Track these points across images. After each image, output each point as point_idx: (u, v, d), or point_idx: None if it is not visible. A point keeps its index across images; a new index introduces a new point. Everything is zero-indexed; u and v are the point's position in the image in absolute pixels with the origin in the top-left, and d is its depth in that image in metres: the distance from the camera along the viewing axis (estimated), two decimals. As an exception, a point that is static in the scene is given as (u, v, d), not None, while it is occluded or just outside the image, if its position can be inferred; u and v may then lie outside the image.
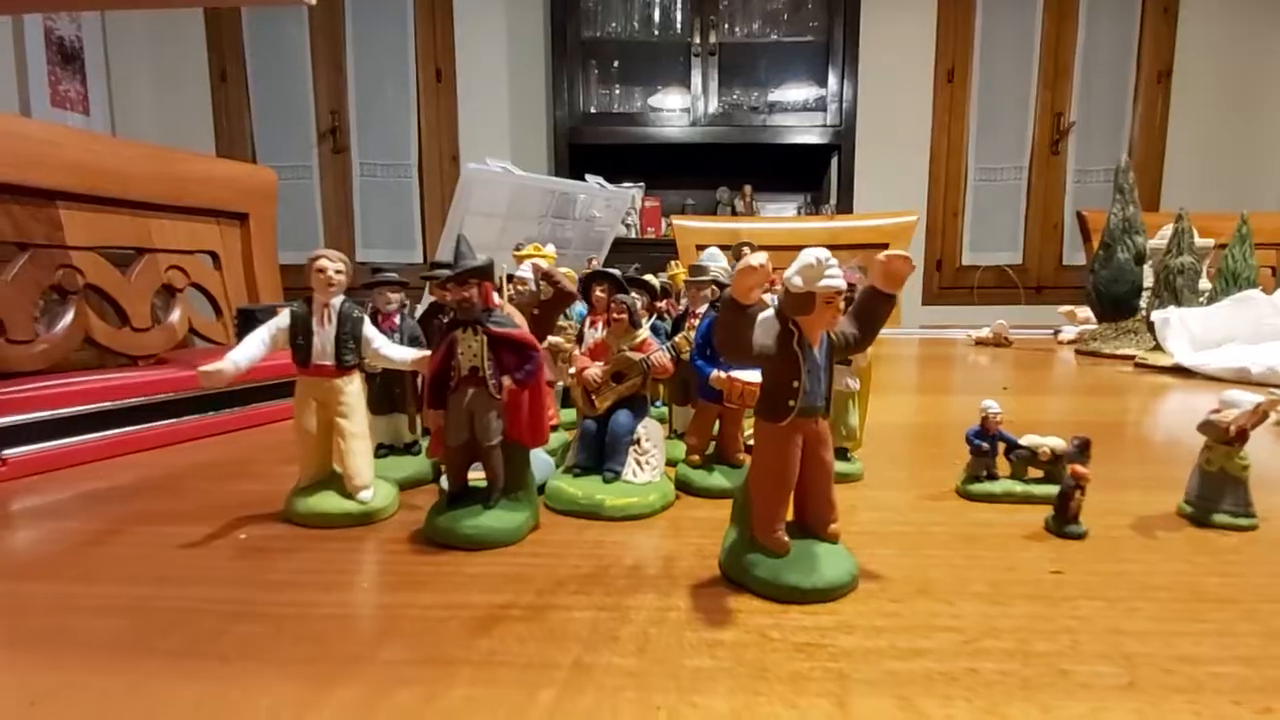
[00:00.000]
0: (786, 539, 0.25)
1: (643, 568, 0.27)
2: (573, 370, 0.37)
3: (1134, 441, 0.47)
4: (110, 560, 0.28)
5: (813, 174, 2.72)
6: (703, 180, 2.80)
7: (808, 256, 0.23)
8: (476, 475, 0.30)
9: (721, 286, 0.37)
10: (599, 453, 0.34)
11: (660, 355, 0.34)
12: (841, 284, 0.23)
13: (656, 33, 2.65)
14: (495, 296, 0.36)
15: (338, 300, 0.31)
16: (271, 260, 1.08)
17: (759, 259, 0.21)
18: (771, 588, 0.24)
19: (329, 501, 0.31)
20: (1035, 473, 0.34)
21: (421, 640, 0.22)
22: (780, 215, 2.62)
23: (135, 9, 2.59)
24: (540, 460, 0.37)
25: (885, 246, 1.46)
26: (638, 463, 0.33)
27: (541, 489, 0.34)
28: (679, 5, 2.61)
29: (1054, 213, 2.59)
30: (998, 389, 0.67)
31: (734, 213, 2.68)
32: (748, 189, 2.68)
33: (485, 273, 0.28)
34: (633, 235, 2.67)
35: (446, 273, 0.28)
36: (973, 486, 0.34)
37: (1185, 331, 0.73)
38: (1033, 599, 0.24)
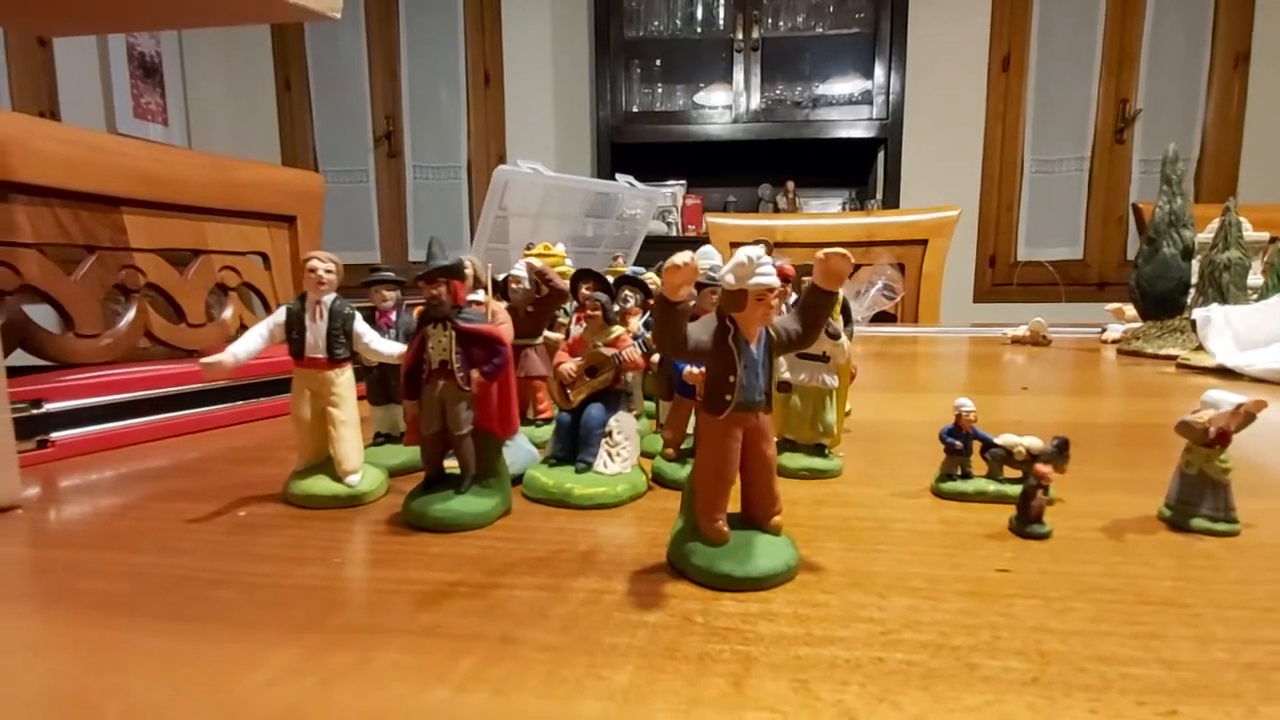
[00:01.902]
0: (725, 529, 0.26)
1: (594, 553, 0.28)
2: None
3: (1140, 444, 0.45)
4: (125, 532, 0.32)
5: (858, 169, 2.66)
6: (745, 177, 2.78)
7: (740, 255, 0.24)
8: (452, 463, 0.32)
9: (700, 286, 0.38)
10: (573, 444, 0.35)
11: (631, 351, 0.35)
12: (773, 281, 0.24)
13: (699, 30, 2.64)
14: (481, 294, 0.38)
15: (329, 298, 0.34)
16: (317, 260, 1.14)
17: (683, 258, 0.22)
18: (706, 575, 0.25)
19: (320, 484, 0.34)
20: (1015, 472, 0.34)
21: (369, 610, 0.23)
22: (824, 211, 2.58)
23: (168, 29, 2.75)
24: (524, 450, 0.38)
25: (925, 243, 1.43)
26: (609, 454, 0.34)
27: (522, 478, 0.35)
28: (721, 1, 2.59)
29: (1118, 205, 2.46)
30: (1017, 389, 0.65)
31: (776, 209, 2.65)
32: (790, 185, 2.64)
33: (453, 272, 0.30)
34: (674, 233, 2.67)
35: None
36: (945, 485, 0.34)
37: (1229, 330, 0.69)
38: (967, 595, 0.24)
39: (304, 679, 0.19)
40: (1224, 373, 0.69)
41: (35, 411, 0.41)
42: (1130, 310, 0.97)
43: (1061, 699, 0.18)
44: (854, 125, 2.50)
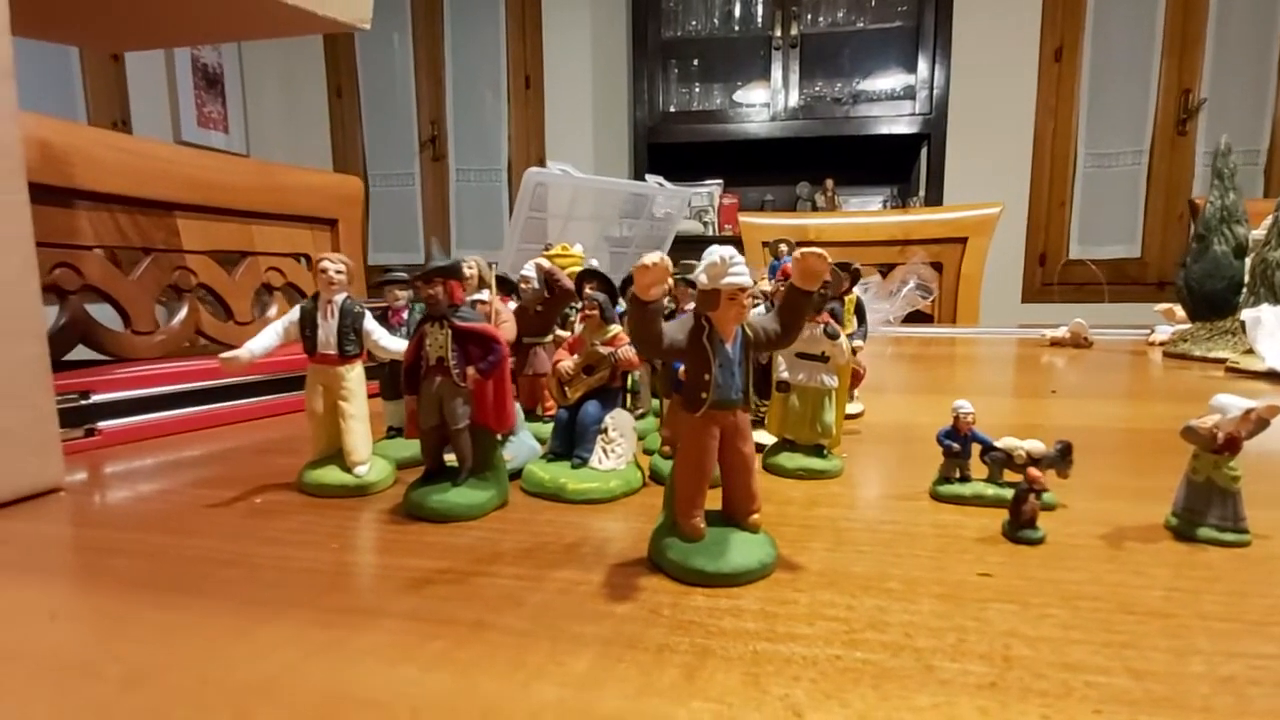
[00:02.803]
0: (702, 525, 0.26)
1: (579, 546, 0.29)
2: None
3: (1163, 451, 0.43)
4: (151, 515, 0.34)
5: (900, 166, 2.60)
6: (783, 176, 2.75)
7: (712, 255, 0.24)
8: (452, 457, 0.34)
9: (691, 285, 0.38)
10: (571, 440, 0.36)
11: (628, 350, 0.35)
12: (745, 281, 0.24)
13: (736, 28, 2.63)
14: (485, 294, 0.39)
15: (340, 297, 0.35)
16: (357, 260, 1.18)
17: (653, 258, 0.23)
18: (680, 570, 0.25)
19: (331, 474, 0.36)
20: (1016, 476, 0.33)
21: (358, 593, 0.25)
22: (864, 210, 2.53)
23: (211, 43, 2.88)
24: (526, 446, 0.39)
25: (964, 241, 1.39)
26: (604, 450, 0.35)
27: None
28: (760, -1, 2.57)
29: (1178, 201, 2.33)
30: (1046, 392, 0.63)
31: (814, 208, 2.62)
32: (829, 183, 2.60)
33: (449, 272, 0.31)
34: (710, 232, 2.67)
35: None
36: (942, 488, 0.33)
37: (1282, 332, 0.65)
38: (942, 598, 0.24)
39: (286, 653, 0.21)
40: (1275, 377, 0.65)
41: (83, 402, 0.45)
42: (1181, 311, 0.92)
43: (1015, 704, 0.18)
44: (896, 121, 2.44)
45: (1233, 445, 0.27)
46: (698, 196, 2.73)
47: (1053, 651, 0.20)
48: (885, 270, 1.31)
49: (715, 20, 2.66)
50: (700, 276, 0.24)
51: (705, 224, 2.70)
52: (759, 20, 2.59)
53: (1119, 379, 0.73)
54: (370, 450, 0.36)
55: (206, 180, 0.93)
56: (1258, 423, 0.28)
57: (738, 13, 2.63)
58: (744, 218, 1.53)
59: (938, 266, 1.42)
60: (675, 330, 0.25)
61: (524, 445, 0.39)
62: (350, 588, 0.25)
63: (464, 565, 0.27)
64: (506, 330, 0.38)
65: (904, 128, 2.43)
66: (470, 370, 0.31)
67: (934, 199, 2.38)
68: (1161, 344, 0.90)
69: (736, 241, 2.25)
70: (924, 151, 2.44)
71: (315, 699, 0.18)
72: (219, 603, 0.24)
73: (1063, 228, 2.46)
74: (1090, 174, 2.42)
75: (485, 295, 0.39)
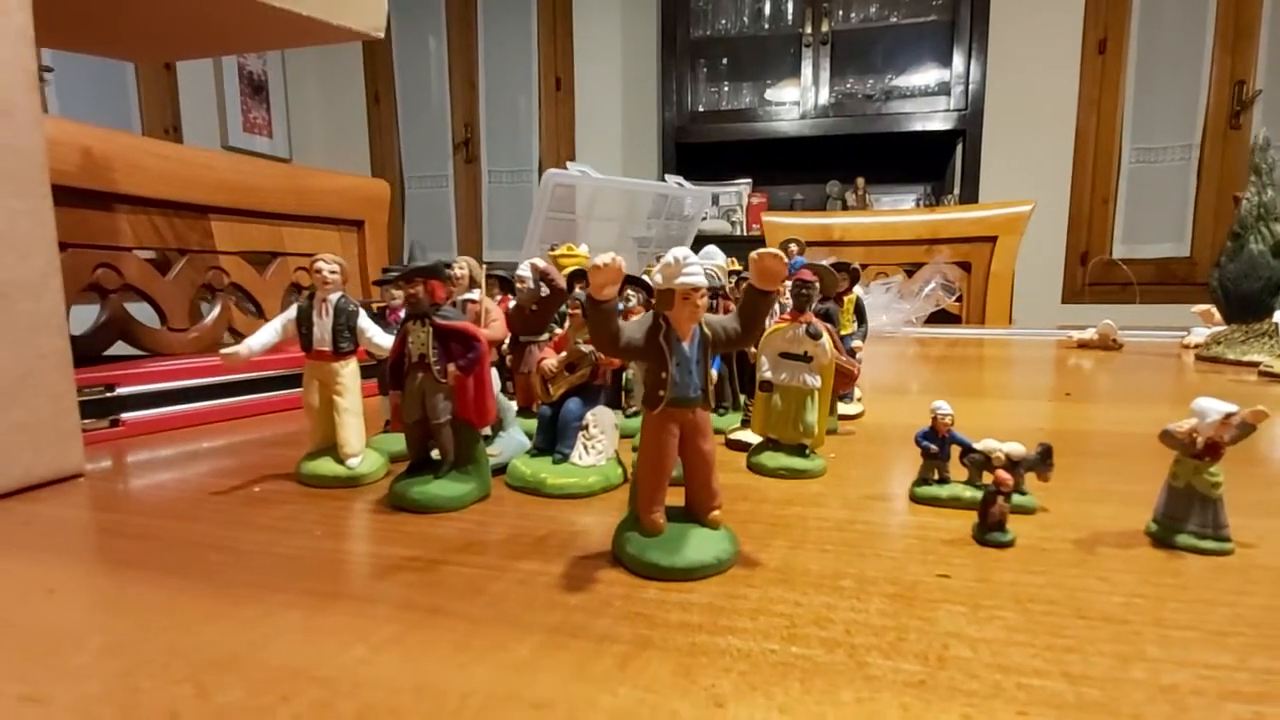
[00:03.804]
0: (660, 520, 0.26)
1: (549, 538, 0.30)
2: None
3: (1165, 457, 0.41)
4: (159, 500, 0.36)
5: (933, 163, 2.55)
6: (813, 175, 2.72)
7: (668, 255, 0.24)
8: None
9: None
10: (554, 436, 0.37)
11: (608, 348, 0.36)
12: (699, 281, 0.24)
13: (767, 26, 2.60)
14: (476, 293, 0.40)
15: (334, 296, 0.37)
16: (383, 261, 1.21)
17: (605, 258, 0.23)
18: (637, 563, 0.26)
19: (325, 466, 0.37)
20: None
21: (330, 578, 0.26)
22: (895, 209, 2.48)
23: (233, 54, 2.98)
24: (515, 441, 0.40)
25: (994, 240, 1.35)
26: (585, 446, 0.36)
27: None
28: (790, -4, 2.55)
29: (1231, 198, 2.22)
30: (1060, 395, 0.61)
31: (844, 207, 2.58)
32: (860, 182, 2.56)
33: (429, 273, 0.32)
34: (738, 232, 2.65)
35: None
36: (920, 489, 0.33)
37: (1318, 335, 0.61)
38: (893, 598, 0.24)
39: (251, 632, 0.22)
40: (1311, 382, 0.62)
41: (108, 395, 0.47)
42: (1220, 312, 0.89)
43: (939, 702, 0.18)
44: (930, 118, 2.39)
45: (1214, 450, 0.27)
46: (726, 196, 2.72)
47: (992, 653, 0.20)
48: (911, 270, 1.29)
49: (745, 19, 2.65)
50: (656, 276, 0.25)
51: (733, 223, 2.69)
52: (789, 18, 2.57)
53: (1142, 382, 0.71)
54: (363, 443, 0.38)
55: (239, 184, 0.97)
56: (1241, 428, 0.27)
57: (768, 11, 2.61)
58: (767, 217, 1.52)
59: (966, 266, 1.39)
60: (633, 329, 0.25)
61: (513, 440, 0.40)
62: (324, 573, 0.27)
63: (434, 554, 0.28)
64: (495, 329, 0.39)
65: (938, 124, 2.38)
66: (451, 367, 0.33)
67: (969, 197, 2.32)
68: (1195, 347, 0.87)
69: (762, 241, 2.23)
70: (959, 148, 2.38)
71: (270, 674, 0.19)
72: (202, 584, 0.26)
73: (1106, 226, 2.37)
74: (1136, 170, 2.33)
75: (476, 295, 0.40)
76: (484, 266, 0.41)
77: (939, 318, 1.26)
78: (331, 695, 0.18)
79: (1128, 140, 2.31)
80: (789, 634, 0.21)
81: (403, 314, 0.43)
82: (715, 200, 2.73)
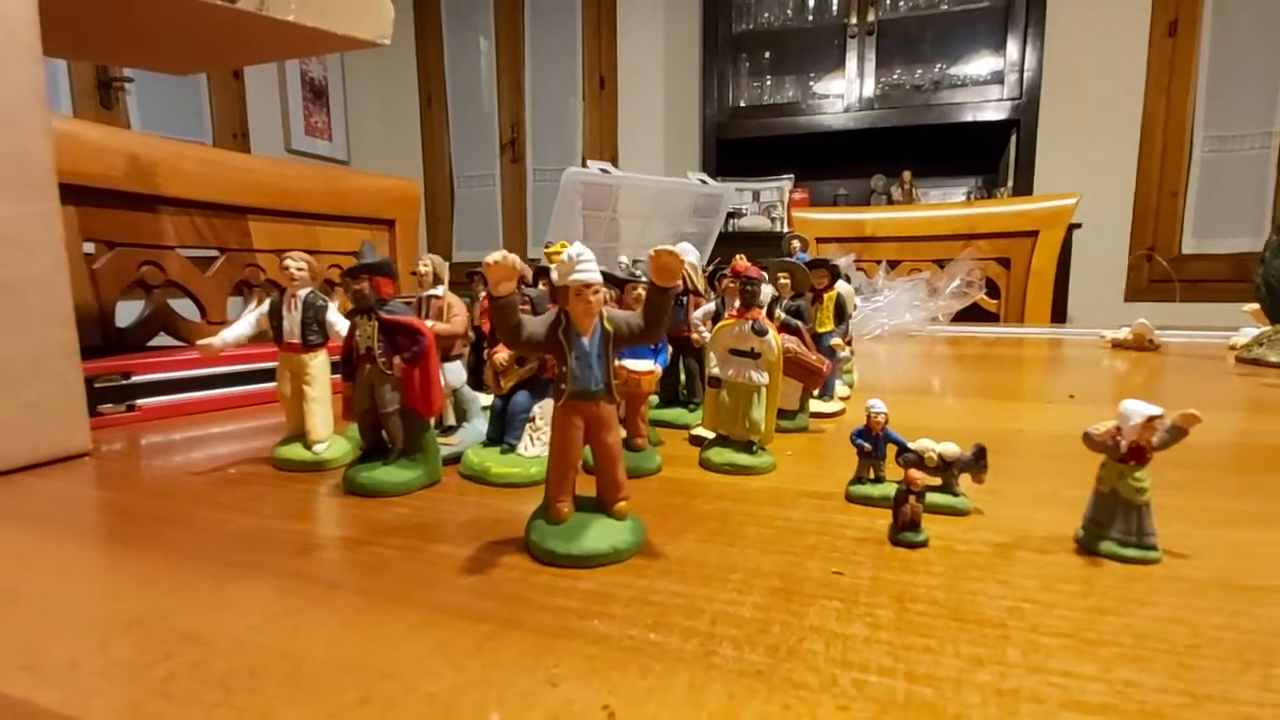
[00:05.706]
0: (565, 509, 0.27)
1: (472, 524, 0.31)
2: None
3: (1153, 463, 0.39)
4: (147, 479, 0.39)
5: (986, 155, 2.44)
6: (858, 168, 2.65)
7: (564, 254, 0.25)
8: (394, 439, 0.37)
9: (621, 282, 0.39)
10: (504, 427, 0.38)
11: (554, 343, 0.37)
12: (591, 278, 0.25)
13: (810, 18, 2.55)
14: (440, 289, 0.42)
15: (303, 291, 0.39)
16: (412, 260, 1.26)
17: (496, 256, 0.24)
18: (537, 550, 0.26)
19: (294, 451, 0.40)
20: (932, 480, 0.32)
21: (264, 552, 0.28)
22: (944, 202, 2.39)
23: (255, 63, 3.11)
24: (474, 432, 0.42)
25: (1035, 235, 1.30)
26: (530, 438, 0.37)
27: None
28: (834, -14, 2.49)
29: (1318, 187, 2.05)
30: (1063, 397, 0.59)
31: (890, 201, 2.51)
32: (907, 175, 2.48)
33: (376, 269, 0.34)
34: (778, 228, 2.62)
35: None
36: (854, 488, 0.33)
37: (1361, 338, 0.56)
38: (774, 592, 0.24)
39: (166, 599, 0.24)
40: (1354, 388, 0.57)
41: (124, 382, 0.52)
42: (1273, 312, 0.82)
43: (765, 693, 0.18)
44: (982, 107, 2.29)
45: (1138, 454, 0.25)
46: (767, 192, 2.68)
47: (844, 649, 0.20)
48: (944, 265, 1.25)
49: (789, 11, 2.60)
50: (554, 273, 0.25)
51: (774, 219, 2.65)
52: (834, 8, 2.51)
53: (1164, 386, 0.67)
54: (330, 430, 0.40)
55: (275, 186, 1.03)
56: (1171, 432, 0.25)
57: (812, 2, 2.56)
58: (798, 213, 1.50)
59: (1005, 262, 1.33)
60: (535, 324, 0.26)
61: (473, 431, 0.42)
62: (255, 549, 0.29)
63: (363, 535, 0.30)
64: (457, 323, 0.41)
65: (991, 114, 2.28)
66: (396, 359, 0.34)
67: (1023, 189, 2.21)
68: (1238, 348, 0.81)
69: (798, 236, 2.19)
70: (1013, 139, 2.27)
71: (163, 636, 0.21)
72: (155, 555, 0.28)
73: (1175, 219, 2.22)
74: (1209, 159, 2.17)
75: (439, 290, 0.41)
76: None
77: (972, 315, 1.22)
78: (209, 656, 0.20)
79: (1200, 128, 2.16)
80: (653, 622, 0.22)
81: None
82: (756, 196, 2.70)
